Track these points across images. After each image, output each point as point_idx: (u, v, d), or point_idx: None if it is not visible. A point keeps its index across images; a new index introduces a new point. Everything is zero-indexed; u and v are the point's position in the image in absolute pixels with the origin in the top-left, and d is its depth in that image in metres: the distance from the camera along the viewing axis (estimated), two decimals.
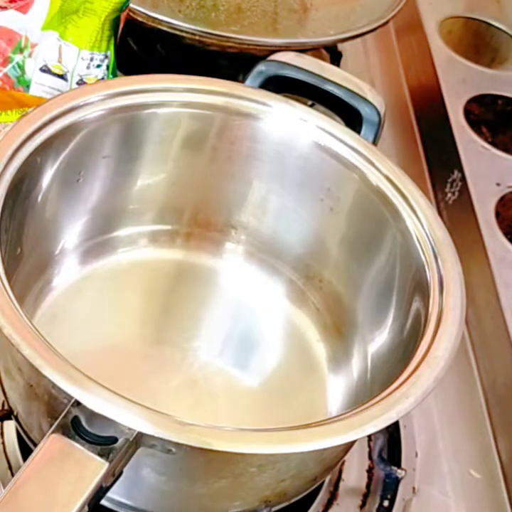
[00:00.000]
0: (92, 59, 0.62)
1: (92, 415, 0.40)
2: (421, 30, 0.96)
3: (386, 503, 0.58)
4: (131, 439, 0.40)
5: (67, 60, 0.62)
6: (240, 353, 0.61)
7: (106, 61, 0.63)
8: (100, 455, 0.39)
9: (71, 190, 0.58)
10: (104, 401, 0.40)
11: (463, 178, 0.78)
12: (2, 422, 0.55)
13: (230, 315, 0.63)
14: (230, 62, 0.76)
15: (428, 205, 0.56)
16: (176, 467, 0.46)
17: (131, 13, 0.69)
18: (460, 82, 0.90)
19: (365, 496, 0.58)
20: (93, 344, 0.58)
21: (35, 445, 0.41)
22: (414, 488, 0.60)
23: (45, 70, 0.62)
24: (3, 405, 0.55)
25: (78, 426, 0.40)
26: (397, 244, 0.56)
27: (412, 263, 0.54)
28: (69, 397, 0.40)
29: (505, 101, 0.89)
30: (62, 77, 0.62)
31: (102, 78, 0.63)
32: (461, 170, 0.79)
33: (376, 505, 0.58)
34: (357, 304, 0.60)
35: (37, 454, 0.39)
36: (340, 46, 0.93)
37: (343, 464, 0.59)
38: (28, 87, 0.62)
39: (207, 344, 0.60)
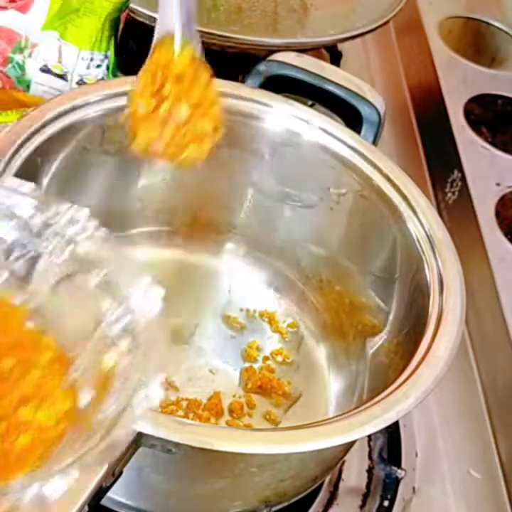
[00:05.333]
0: (92, 59, 0.62)
1: None
2: (421, 30, 0.96)
3: (386, 503, 0.58)
4: (131, 439, 0.40)
5: (67, 60, 0.62)
6: (241, 353, 0.61)
7: (106, 61, 0.63)
8: None
9: (71, 190, 0.58)
10: None
11: (463, 178, 0.78)
12: None
13: (230, 315, 0.63)
14: (230, 62, 0.76)
15: (428, 205, 0.56)
16: (176, 467, 0.46)
17: (131, 13, 0.69)
18: (460, 82, 0.90)
19: (365, 496, 0.58)
20: None
21: None
22: (414, 488, 0.60)
23: (45, 70, 0.62)
24: None
25: None
26: (397, 244, 0.56)
27: (412, 263, 0.54)
28: None
29: (505, 101, 0.89)
30: (62, 77, 0.62)
31: (102, 78, 0.63)
32: (461, 170, 0.79)
33: (376, 505, 0.58)
34: (357, 303, 0.60)
35: None
36: (340, 46, 0.93)
37: (343, 463, 0.59)
38: (28, 87, 0.62)
39: (207, 344, 0.60)
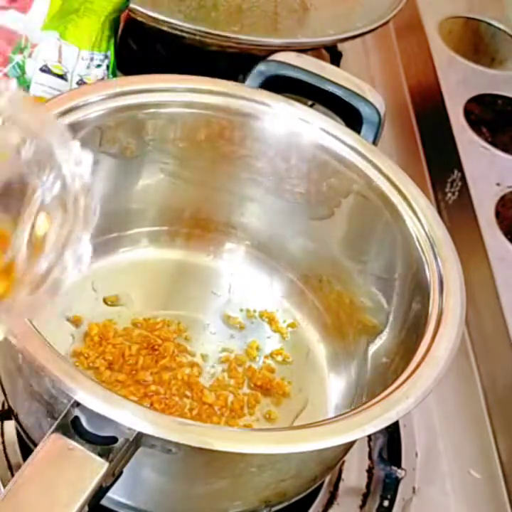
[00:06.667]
0: (92, 59, 0.62)
1: (92, 415, 0.40)
2: (421, 30, 0.96)
3: (386, 503, 0.58)
4: (131, 439, 0.40)
5: (67, 60, 0.62)
6: (241, 353, 0.61)
7: (106, 61, 0.63)
8: (100, 455, 0.39)
9: None
10: (104, 401, 0.40)
11: (463, 178, 0.78)
12: (2, 421, 0.55)
13: (230, 315, 0.63)
14: (230, 62, 0.76)
15: (428, 205, 0.56)
16: (176, 467, 0.46)
17: (131, 13, 0.69)
18: (460, 82, 0.90)
19: (365, 496, 0.58)
20: None
21: (35, 445, 0.41)
22: (414, 488, 0.60)
23: (45, 70, 0.62)
24: (3, 405, 0.55)
25: (78, 426, 0.40)
26: (397, 244, 0.56)
27: (412, 263, 0.54)
28: (69, 397, 0.40)
29: (505, 101, 0.89)
30: (62, 77, 0.62)
31: (102, 78, 0.63)
32: (461, 170, 0.79)
33: (376, 505, 0.58)
34: (357, 303, 0.60)
35: (37, 454, 0.39)
36: (340, 46, 0.93)
37: (343, 463, 0.59)
38: (28, 87, 0.62)
39: (207, 345, 0.60)
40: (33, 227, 0.33)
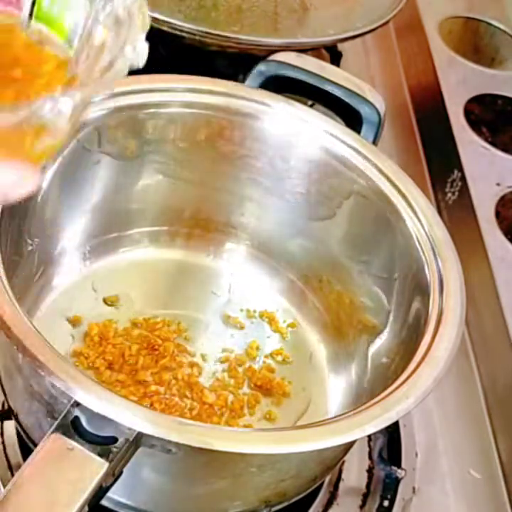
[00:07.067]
0: None
1: (92, 415, 0.40)
2: (421, 30, 0.96)
3: (386, 503, 0.58)
4: (131, 439, 0.40)
5: None
6: (240, 354, 0.61)
7: None
8: (100, 455, 0.39)
9: (71, 190, 0.58)
10: (104, 401, 0.40)
11: (463, 178, 0.78)
12: (2, 421, 0.55)
13: (230, 315, 0.63)
14: (230, 62, 0.76)
15: (428, 205, 0.56)
16: (176, 467, 0.46)
17: None
18: (460, 82, 0.90)
19: (365, 496, 0.58)
20: None
21: (35, 445, 0.41)
22: (414, 488, 0.60)
23: None
24: (3, 405, 0.55)
25: (78, 426, 0.40)
26: (397, 244, 0.56)
27: (412, 263, 0.54)
28: (69, 397, 0.40)
29: (505, 101, 0.89)
30: None
31: None
32: (461, 170, 0.79)
33: (376, 505, 0.58)
34: (357, 303, 0.60)
35: (37, 453, 0.39)
36: (340, 46, 0.93)
37: (343, 463, 0.59)
38: None
39: (207, 345, 0.60)
40: (90, 39, 0.35)
